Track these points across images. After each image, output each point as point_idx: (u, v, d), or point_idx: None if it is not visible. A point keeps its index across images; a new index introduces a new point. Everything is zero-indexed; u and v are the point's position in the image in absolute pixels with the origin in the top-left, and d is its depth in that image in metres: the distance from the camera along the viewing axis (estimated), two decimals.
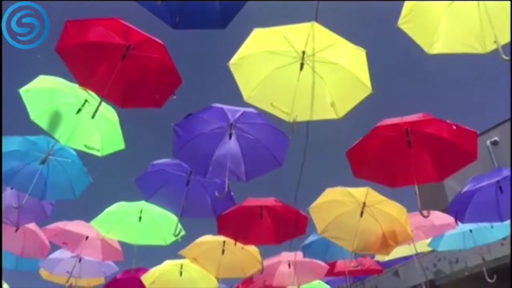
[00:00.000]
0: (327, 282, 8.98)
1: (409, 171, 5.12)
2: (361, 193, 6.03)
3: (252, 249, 7.24)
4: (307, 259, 7.80)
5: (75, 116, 5.28)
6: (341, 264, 8.03)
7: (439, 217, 6.57)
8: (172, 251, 7.54)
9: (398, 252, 7.21)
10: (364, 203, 6.11)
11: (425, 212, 4.98)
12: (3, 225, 6.36)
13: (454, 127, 4.84)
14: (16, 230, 6.62)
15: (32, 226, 6.79)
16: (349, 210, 6.25)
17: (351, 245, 6.31)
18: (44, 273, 8.11)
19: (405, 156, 5.06)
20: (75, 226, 6.93)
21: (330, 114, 4.94)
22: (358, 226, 6.17)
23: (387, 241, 6.29)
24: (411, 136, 5.01)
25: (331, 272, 8.18)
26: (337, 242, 6.62)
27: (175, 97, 4.94)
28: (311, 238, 7.53)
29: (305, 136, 5.35)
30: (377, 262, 8.43)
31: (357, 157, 5.22)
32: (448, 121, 4.90)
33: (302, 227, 6.66)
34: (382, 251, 6.61)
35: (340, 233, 6.43)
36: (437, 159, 5.16)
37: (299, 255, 7.69)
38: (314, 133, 5.26)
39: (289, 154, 5.63)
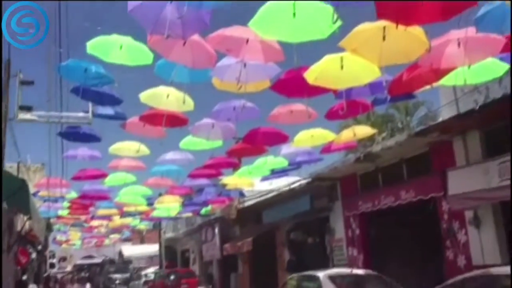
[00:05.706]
0: (501, 59, 8.09)
1: None
2: None
3: (416, 30, 6.68)
4: (480, 35, 6.99)
5: None
6: None
7: None
8: (330, 45, 7.43)
9: None
10: None
11: None
12: (172, 40, 6.84)
13: None
14: (184, 44, 7.10)
15: (196, 37, 7.15)
16: None
17: None
18: (216, 82, 8.75)
19: None
20: (235, 31, 7.10)
21: None
22: None
23: None
24: None
25: (509, 46, 7.29)
26: None
27: None
28: (484, 9, 6.62)
29: None
30: None
31: None
32: None
33: None
34: None
35: None
36: None
37: (470, 31, 6.91)
38: None
39: None
